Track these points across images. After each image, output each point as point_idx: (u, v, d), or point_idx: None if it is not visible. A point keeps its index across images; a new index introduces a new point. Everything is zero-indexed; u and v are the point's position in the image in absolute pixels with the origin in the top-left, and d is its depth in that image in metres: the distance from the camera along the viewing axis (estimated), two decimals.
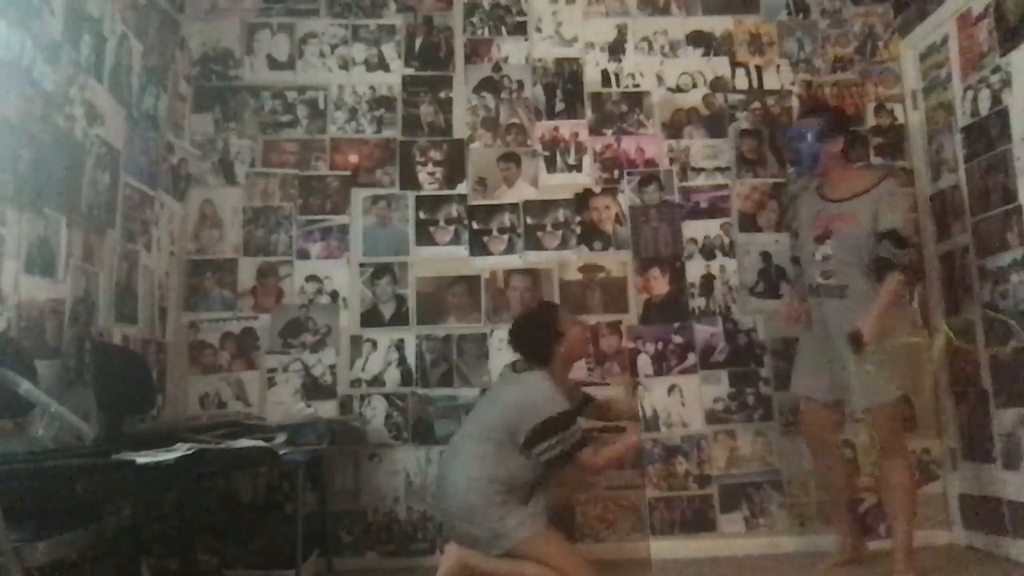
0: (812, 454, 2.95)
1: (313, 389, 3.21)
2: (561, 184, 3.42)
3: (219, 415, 3.03)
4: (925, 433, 3.23)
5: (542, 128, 3.47)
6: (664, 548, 3.10)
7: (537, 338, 2.65)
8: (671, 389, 3.26)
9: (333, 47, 3.49)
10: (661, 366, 3.28)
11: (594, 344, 3.26)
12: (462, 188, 3.40)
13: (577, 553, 2.54)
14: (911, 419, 3.19)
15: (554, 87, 3.51)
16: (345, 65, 3.48)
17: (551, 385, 2.56)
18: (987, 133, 2.93)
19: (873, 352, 2.50)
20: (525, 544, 2.42)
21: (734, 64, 3.54)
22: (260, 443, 2.27)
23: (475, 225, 3.37)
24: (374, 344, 3.25)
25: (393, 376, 3.24)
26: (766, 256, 3.34)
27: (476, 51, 3.52)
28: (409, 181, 3.39)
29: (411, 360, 3.25)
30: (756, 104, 3.50)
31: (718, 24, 3.57)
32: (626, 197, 3.41)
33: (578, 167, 3.44)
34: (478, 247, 3.35)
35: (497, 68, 3.51)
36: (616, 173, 3.43)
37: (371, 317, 3.28)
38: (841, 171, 2.81)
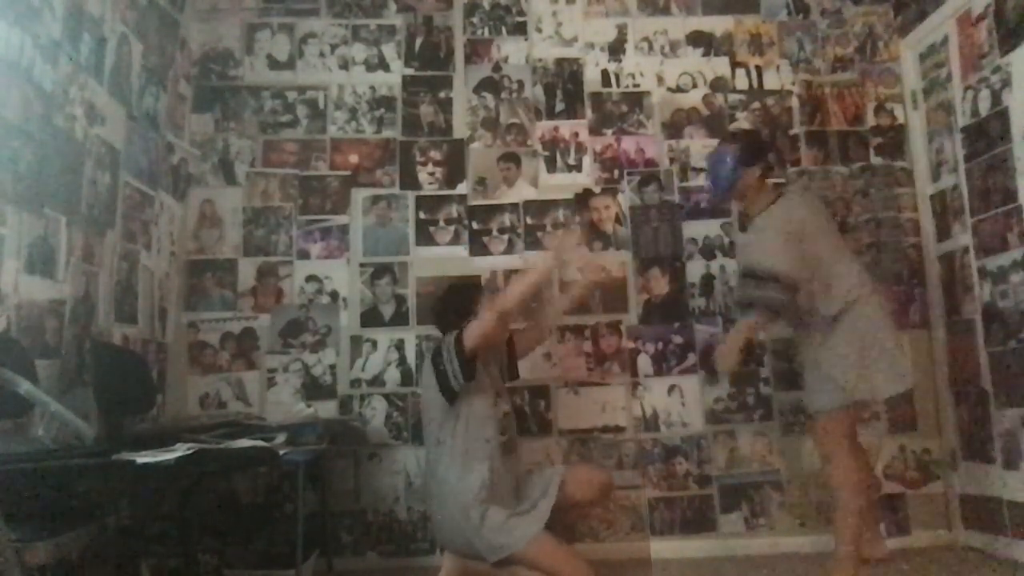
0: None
1: (313, 389, 3.21)
2: (561, 184, 3.42)
3: (219, 415, 3.03)
4: (925, 433, 3.23)
5: (542, 128, 3.47)
6: (664, 548, 3.10)
7: (452, 307, 2.60)
8: (671, 389, 3.26)
9: (333, 47, 3.49)
10: (661, 366, 3.27)
11: (594, 344, 3.26)
12: (462, 188, 3.40)
13: (576, 556, 2.50)
14: (911, 418, 3.21)
15: (554, 87, 3.51)
16: (345, 65, 3.48)
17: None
18: (987, 133, 2.93)
19: (816, 360, 2.55)
20: (525, 551, 2.38)
21: (734, 64, 3.54)
22: (260, 443, 2.27)
23: (475, 225, 3.37)
24: (374, 344, 3.25)
25: (393, 376, 3.24)
26: None
27: (476, 51, 3.52)
28: (409, 181, 3.39)
29: (411, 360, 3.24)
30: (756, 104, 3.50)
31: (718, 24, 3.57)
32: (626, 197, 3.41)
33: (578, 167, 3.44)
34: (478, 247, 3.35)
35: (497, 68, 3.51)
36: (616, 173, 3.43)
37: (371, 317, 3.28)
38: (754, 197, 2.71)
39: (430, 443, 2.54)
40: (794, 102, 3.50)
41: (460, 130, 3.45)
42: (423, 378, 2.59)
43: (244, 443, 2.20)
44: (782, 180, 3.37)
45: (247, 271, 3.29)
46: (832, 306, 2.50)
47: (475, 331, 2.40)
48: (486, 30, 3.55)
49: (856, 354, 2.47)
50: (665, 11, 3.58)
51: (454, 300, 2.65)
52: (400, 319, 3.27)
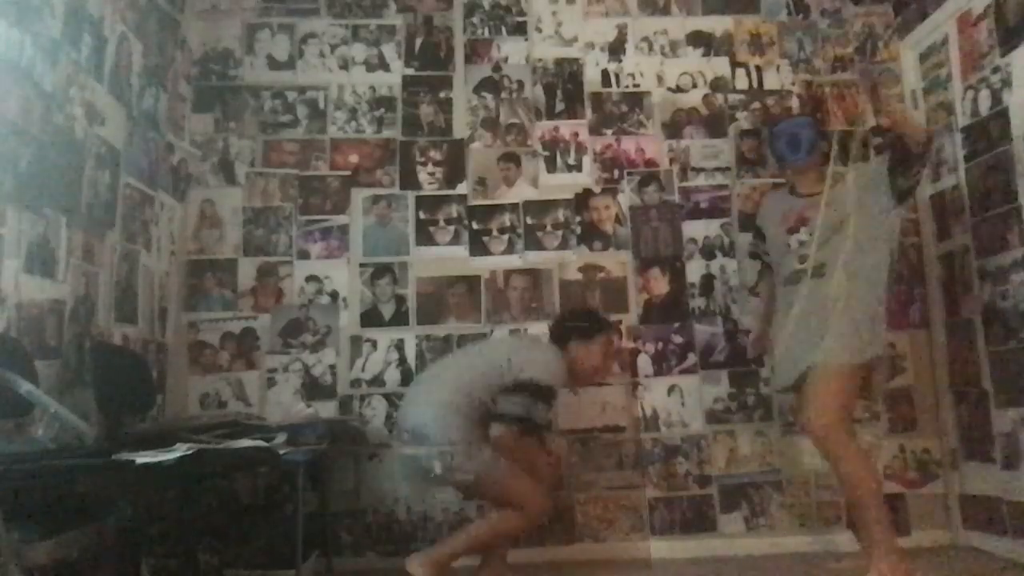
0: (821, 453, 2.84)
1: (313, 389, 3.21)
2: (561, 184, 3.42)
3: (219, 415, 3.02)
4: (925, 433, 3.23)
5: (542, 128, 3.47)
6: (664, 548, 3.10)
7: (568, 325, 2.74)
8: (671, 389, 3.26)
9: (333, 47, 3.49)
10: (661, 366, 3.27)
11: None
12: (462, 188, 3.40)
13: (531, 483, 2.46)
14: (911, 418, 3.22)
15: (554, 87, 3.51)
16: (345, 65, 3.48)
17: (563, 364, 2.62)
18: (987, 133, 2.93)
19: (843, 311, 2.50)
20: (478, 476, 2.40)
21: (734, 64, 3.54)
22: (260, 443, 2.27)
23: (475, 225, 3.37)
24: (374, 344, 3.25)
25: (393, 376, 3.23)
26: None
27: (476, 51, 3.52)
28: (409, 181, 3.39)
29: (411, 360, 3.24)
30: (756, 104, 3.50)
31: (718, 24, 3.57)
32: (626, 197, 3.41)
33: (578, 167, 3.44)
34: (478, 247, 3.35)
35: (497, 68, 3.51)
36: (616, 173, 3.43)
37: (371, 317, 3.28)
38: (816, 171, 2.77)
39: (470, 366, 2.59)
40: (794, 102, 3.50)
41: (460, 130, 3.45)
42: (527, 344, 2.87)
43: (244, 443, 2.20)
44: (781, 180, 3.38)
45: (247, 271, 3.28)
46: (859, 259, 2.55)
47: (505, 441, 2.47)
48: (486, 30, 3.55)
49: (869, 310, 2.55)
50: (665, 11, 3.58)
51: (573, 318, 2.80)
52: (400, 319, 3.27)
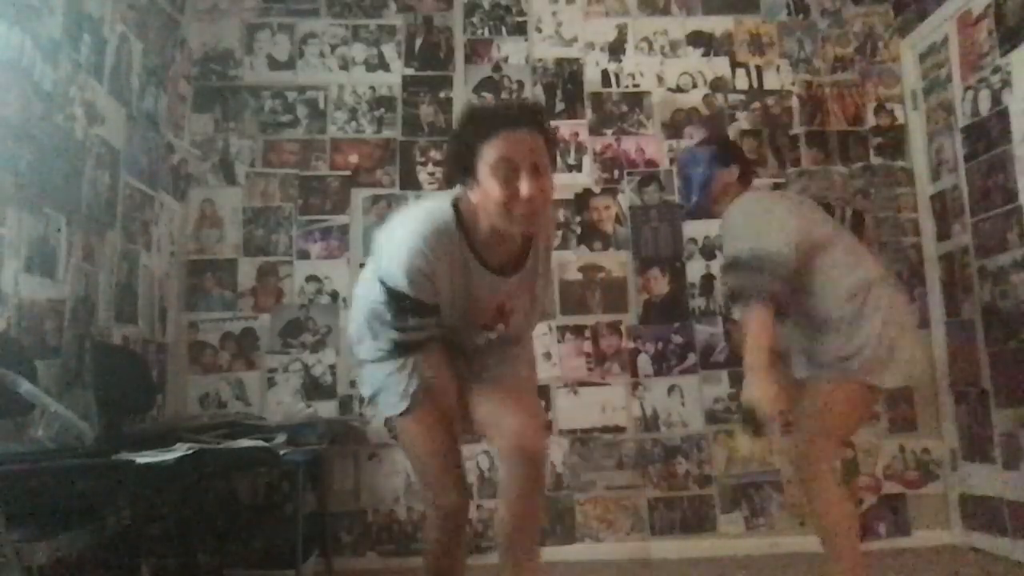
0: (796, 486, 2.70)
1: (313, 389, 3.20)
2: (561, 184, 3.39)
3: (219, 415, 3.03)
4: (925, 433, 3.23)
5: None
6: (664, 548, 3.10)
7: (446, 159, 1.91)
8: (671, 389, 3.26)
9: (333, 47, 3.49)
10: (661, 366, 3.27)
11: (594, 344, 3.26)
12: None
13: (439, 461, 1.80)
14: (911, 418, 3.22)
15: (554, 87, 3.51)
16: (345, 65, 3.48)
17: (413, 247, 1.63)
18: (987, 133, 2.93)
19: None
20: (397, 424, 1.85)
21: (734, 64, 3.54)
22: (260, 443, 2.28)
23: None
24: None
25: None
26: None
27: (476, 51, 3.52)
28: (409, 181, 3.39)
29: None
30: (756, 104, 3.49)
31: (718, 24, 3.57)
32: (626, 197, 3.41)
33: (578, 167, 3.44)
34: None
35: (497, 68, 3.51)
36: (616, 173, 3.43)
37: None
38: (732, 201, 2.30)
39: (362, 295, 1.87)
40: (794, 102, 3.50)
41: None
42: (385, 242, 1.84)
43: (244, 443, 2.21)
44: (782, 180, 3.39)
45: (247, 271, 3.28)
46: (843, 302, 2.13)
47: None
48: (486, 30, 3.55)
49: (879, 335, 2.08)
50: (665, 11, 3.58)
51: (449, 142, 1.85)
52: None
